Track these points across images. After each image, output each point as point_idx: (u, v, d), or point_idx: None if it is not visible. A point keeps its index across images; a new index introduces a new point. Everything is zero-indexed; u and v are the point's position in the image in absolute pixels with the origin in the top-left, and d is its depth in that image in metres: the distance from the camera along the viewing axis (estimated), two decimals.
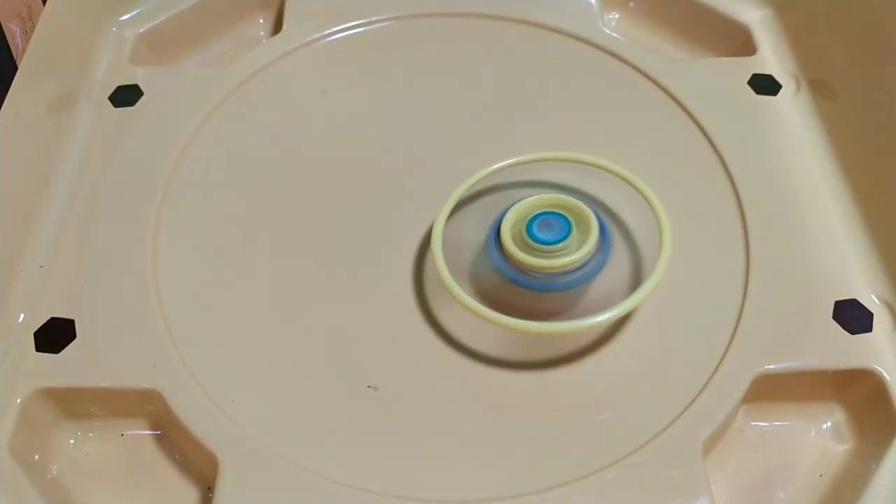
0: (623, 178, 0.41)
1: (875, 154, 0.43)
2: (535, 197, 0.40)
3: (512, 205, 0.40)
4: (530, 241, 0.39)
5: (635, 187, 0.41)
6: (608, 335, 0.39)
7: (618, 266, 0.41)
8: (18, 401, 0.36)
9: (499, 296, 0.40)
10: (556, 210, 0.40)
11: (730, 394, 0.36)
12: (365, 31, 0.51)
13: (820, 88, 0.48)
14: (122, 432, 0.38)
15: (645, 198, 0.40)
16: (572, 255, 0.38)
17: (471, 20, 0.52)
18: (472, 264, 0.41)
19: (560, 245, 0.39)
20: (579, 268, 0.39)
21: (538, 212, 0.40)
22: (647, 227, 0.41)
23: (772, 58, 0.50)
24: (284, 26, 0.52)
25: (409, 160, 0.46)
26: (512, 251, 0.39)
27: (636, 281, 0.40)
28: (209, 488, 0.35)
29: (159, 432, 0.38)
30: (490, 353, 0.39)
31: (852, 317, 0.39)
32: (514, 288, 0.40)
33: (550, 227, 0.39)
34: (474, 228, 0.42)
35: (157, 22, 0.52)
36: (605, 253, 0.40)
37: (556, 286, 0.40)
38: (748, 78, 0.49)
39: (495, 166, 0.42)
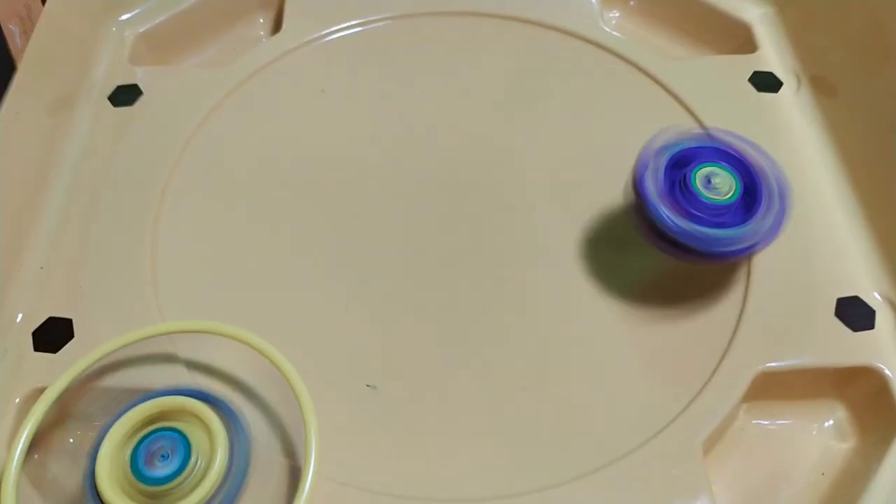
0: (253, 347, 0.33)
1: (876, 150, 0.43)
2: (136, 408, 0.31)
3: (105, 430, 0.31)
4: (138, 483, 0.29)
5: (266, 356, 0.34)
6: (608, 334, 0.39)
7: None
8: (17, 400, 0.36)
9: None
10: (166, 425, 0.30)
11: (731, 392, 0.36)
12: (364, 30, 0.51)
13: (821, 85, 0.47)
14: None
15: (280, 370, 0.33)
16: (195, 491, 0.30)
17: (470, 19, 0.52)
18: None
19: (176, 481, 0.30)
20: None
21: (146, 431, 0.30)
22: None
23: (773, 55, 0.50)
24: (284, 26, 0.52)
25: (409, 160, 0.46)
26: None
27: None
28: None
29: None
30: (488, 354, 0.38)
31: (854, 314, 0.38)
32: None
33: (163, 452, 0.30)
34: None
35: (157, 22, 0.52)
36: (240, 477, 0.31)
37: None
38: (749, 75, 0.48)
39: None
